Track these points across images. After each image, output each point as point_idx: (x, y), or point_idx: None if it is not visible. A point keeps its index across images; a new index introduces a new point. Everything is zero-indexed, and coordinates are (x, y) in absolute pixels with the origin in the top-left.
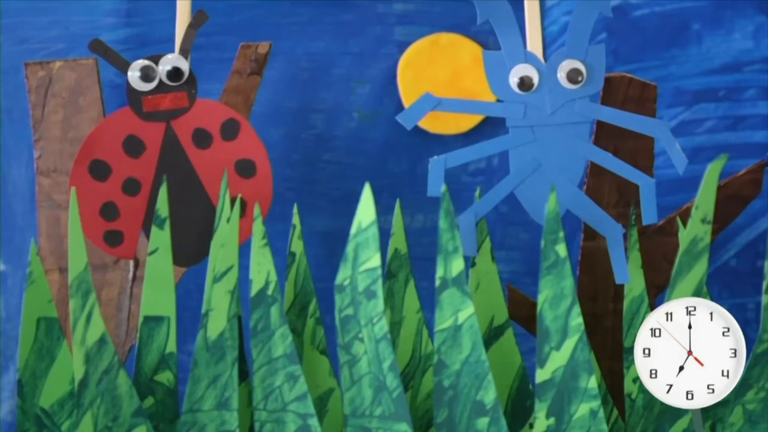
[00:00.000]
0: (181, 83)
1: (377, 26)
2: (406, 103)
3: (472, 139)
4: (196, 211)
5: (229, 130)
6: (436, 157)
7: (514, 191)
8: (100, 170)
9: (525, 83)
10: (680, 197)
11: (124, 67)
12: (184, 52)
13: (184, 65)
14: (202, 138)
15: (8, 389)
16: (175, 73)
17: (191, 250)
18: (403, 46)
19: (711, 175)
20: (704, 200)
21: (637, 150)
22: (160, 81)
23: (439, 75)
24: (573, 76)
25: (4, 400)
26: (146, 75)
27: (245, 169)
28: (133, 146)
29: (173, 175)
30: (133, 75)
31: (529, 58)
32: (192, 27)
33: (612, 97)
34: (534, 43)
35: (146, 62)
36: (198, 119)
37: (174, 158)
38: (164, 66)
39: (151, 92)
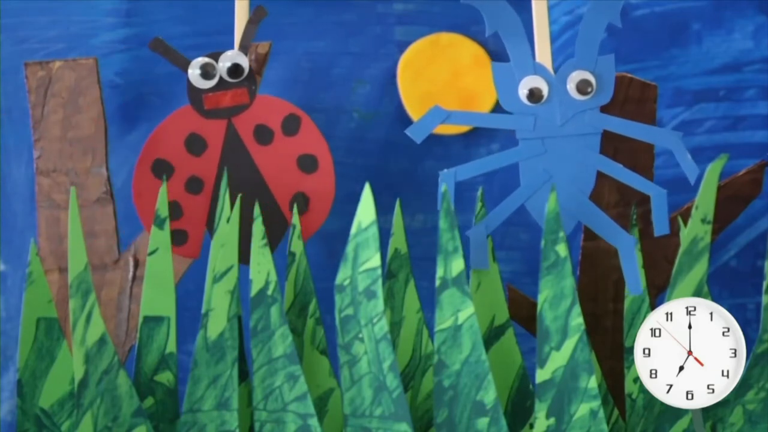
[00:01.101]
0: (241, 80)
1: (377, 26)
2: (406, 102)
3: (471, 140)
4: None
5: (291, 126)
6: (446, 170)
7: (524, 203)
8: (163, 169)
9: (534, 95)
10: (680, 197)
11: (184, 66)
12: (243, 49)
13: (244, 61)
14: (263, 134)
15: (8, 389)
16: (235, 69)
17: None
18: (403, 46)
19: (711, 175)
20: (704, 200)
21: (638, 150)
22: (221, 78)
23: (439, 75)
24: (583, 87)
25: (4, 400)
26: (206, 72)
27: (307, 164)
28: (195, 144)
29: (235, 172)
30: (194, 73)
31: (538, 70)
32: (252, 23)
33: (613, 97)
34: (543, 54)
35: (206, 60)
36: (259, 115)
37: (236, 155)
38: (224, 63)
39: (211, 90)
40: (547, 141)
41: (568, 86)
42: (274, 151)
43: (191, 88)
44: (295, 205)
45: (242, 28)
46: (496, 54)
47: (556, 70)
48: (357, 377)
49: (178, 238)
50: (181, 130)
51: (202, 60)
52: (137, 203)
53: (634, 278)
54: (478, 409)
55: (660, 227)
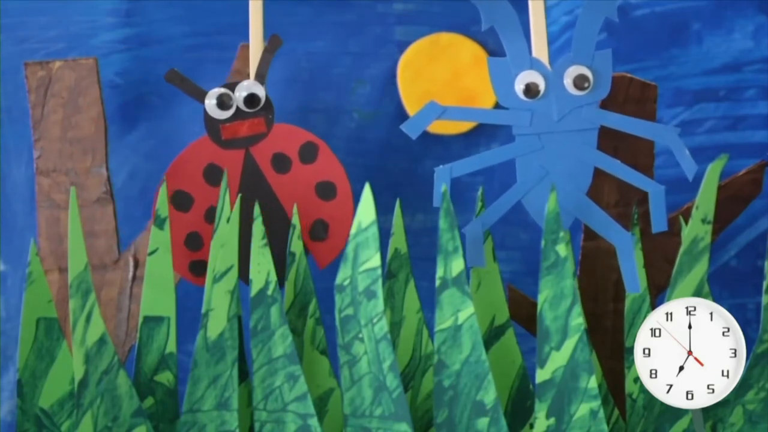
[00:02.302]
0: (258, 109)
1: (377, 26)
2: (406, 102)
3: (472, 140)
4: (277, 236)
5: (308, 153)
6: (441, 166)
7: (521, 200)
8: (182, 201)
9: (531, 90)
10: (681, 197)
11: (200, 97)
12: (260, 78)
13: (261, 91)
14: (281, 162)
15: (8, 389)
16: (251, 99)
17: (278, 272)
18: (403, 46)
19: (711, 175)
20: (705, 200)
21: (638, 149)
22: (237, 108)
23: (439, 75)
24: (579, 82)
25: (4, 400)
26: (222, 102)
27: (325, 191)
28: (214, 175)
29: (255, 201)
30: (210, 103)
31: (534, 65)
32: (267, 52)
33: (612, 97)
34: (539, 49)
35: (222, 90)
36: (276, 144)
37: (254, 184)
38: (240, 93)
39: (228, 120)
40: (544, 137)
41: (564, 81)
42: (293, 179)
43: (208, 118)
44: (295, 205)
45: (257, 58)
46: (496, 54)
47: (553, 65)
48: (357, 377)
49: (200, 268)
50: (200, 161)
51: (218, 90)
52: None
53: (632, 276)
54: (478, 409)
55: (658, 224)
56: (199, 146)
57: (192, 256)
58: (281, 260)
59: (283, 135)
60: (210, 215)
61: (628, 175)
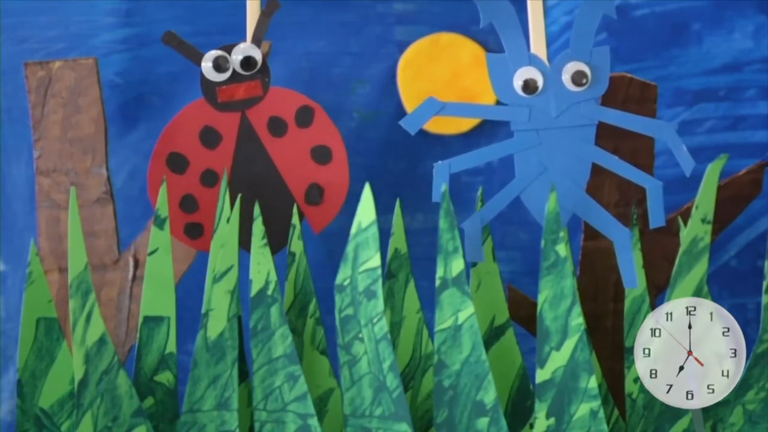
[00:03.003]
0: (254, 72)
1: (377, 26)
2: (406, 102)
3: (472, 140)
4: (274, 200)
5: (304, 117)
6: (440, 162)
7: (519, 195)
8: (177, 163)
9: (529, 86)
10: (681, 197)
11: (197, 59)
12: (256, 41)
13: (257, 54)
14: (277, 126)
15: (8, 389)
16: (247, 62)
17: (272, 238)
18: (403, 46)
19: (711, 175)
20: (704, 200)
21: (638, 149)
22: (234, 71)
23: (439, 75)
24: (577, 78)
25: (4, 400)
26: (219, 65)
27: (321, 155)
28: (210, 137)
29: (250, 165)
30: (207, 66)
31: (533, 61)
32: (264, 15)
33: (612, 96)
34: (538, 45)
35: (219, 52)
36: (272, 107)
37: (250, 147)
38: (237, 55)
39: (225, 82)
40: (542, 132)
41: (563, 77)
42: (288, 142)
43: (205, 81)
44: (295, 206)
45: (254, 21)
46: (496, 53)
47: (551, 61)
48: (357, 377)
49: (194, 231)
50: (196, 123)
51: (215, 53)
52: (152, 197)
53: (630, 271)
54: (478, 409)
55: (655, 219)
56: (195, 108)
57: (187, 218)
58: (276, 227)
59: (279, 98)
60: (205, 178)
61: (626, 171)
